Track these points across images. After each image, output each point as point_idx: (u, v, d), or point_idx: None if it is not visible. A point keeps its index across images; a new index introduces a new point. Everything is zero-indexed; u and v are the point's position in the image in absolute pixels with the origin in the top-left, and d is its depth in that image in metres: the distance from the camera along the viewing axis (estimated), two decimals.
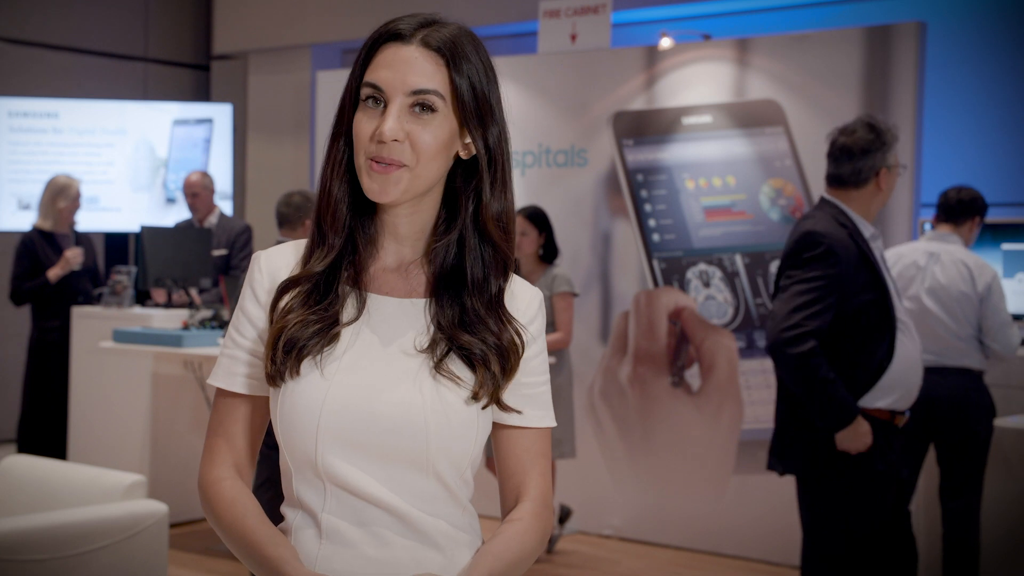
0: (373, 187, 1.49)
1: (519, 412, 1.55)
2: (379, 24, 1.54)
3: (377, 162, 1.48)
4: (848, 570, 3.36)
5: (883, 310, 3.27)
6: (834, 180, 3.42)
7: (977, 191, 4.56)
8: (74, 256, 6.14)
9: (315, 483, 1.49)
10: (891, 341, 3.27)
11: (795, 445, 3.36)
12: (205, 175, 6.52)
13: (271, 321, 1.52)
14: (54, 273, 6.09)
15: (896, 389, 3.31)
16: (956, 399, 4.35)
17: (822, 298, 3.23)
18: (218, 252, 6.24)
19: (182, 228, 6.51)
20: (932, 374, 4.32)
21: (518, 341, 1.54)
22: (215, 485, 1.54)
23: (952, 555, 4.45)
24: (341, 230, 1.53)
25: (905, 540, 4.06)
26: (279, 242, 4.67)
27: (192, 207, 6.45)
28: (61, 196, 6.20)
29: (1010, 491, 4.60)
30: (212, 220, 6.44)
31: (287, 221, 5.03)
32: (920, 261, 4.43)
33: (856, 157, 3.39)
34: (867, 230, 3.35)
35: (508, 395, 1.54)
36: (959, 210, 4.51)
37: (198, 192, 6.41)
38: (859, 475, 3.27)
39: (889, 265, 4.39)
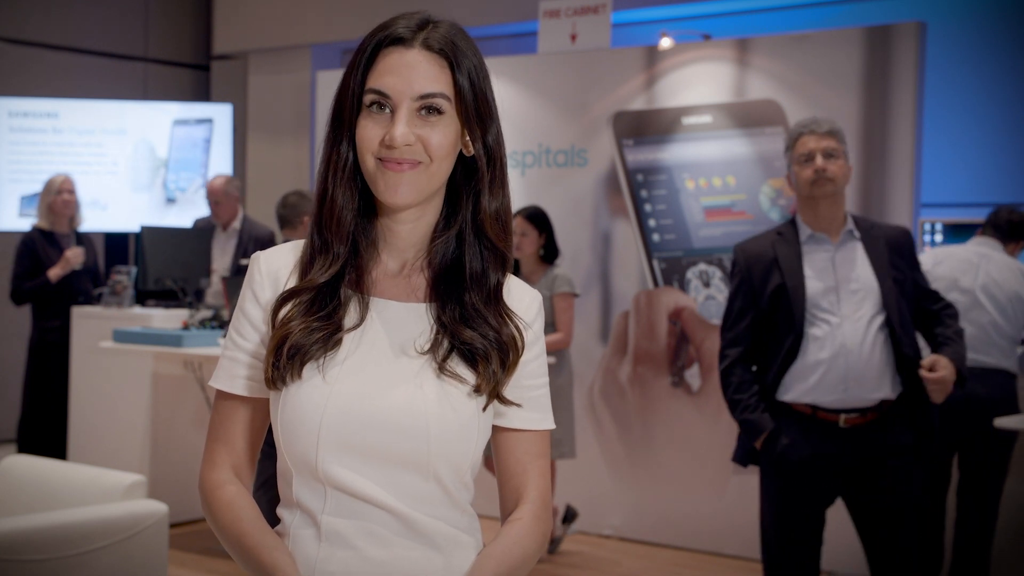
0: (389, 188, 1.48)
1: (519, 405, 1.55)
2: (377, 24, 1.53)
3: (389, 161, 1.47)
4: (771, 564, 3.46)
5: (787, 310, 3.35)
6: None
7: None
8: (75, 256, 6.14)
9: (315, 486, 1.49)
10: (796, 340, 3.33)
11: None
12: (229, 180, 6.46)
13: (272, 327, 1.51)
14: (55, 273, 6.08)
15: (804, 382, 3.32)
16: (994, 402, 4.34)
17: (732, 306, 3.47)
18: (244, 261, 6.20)
19: (183, 228, 6.52)
20: (971, 376, 4.34)
21: (518, 336, 1.54)
22: (215, 489, 1.54)
23: (963, 554, 4.45)
24: (346, 238, 1.52)
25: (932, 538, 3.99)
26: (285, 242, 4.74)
27: (215, 214, 6.42)
28: (50, 191, 6.22)
29: (1020, 492, 4.60)
30: (236, 225, 6.40)
31: (287, 222, 5.13)
32: (973, 259, 4.46)
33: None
34: (804, 233, 3.42)
35: (508, 394, 1.54)
36: (1008, 231, 4.58)
37: (220, 200, 6.37)
38: (769, 461, 3.42)
39: (939, 261, 4.43)
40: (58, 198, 6.21)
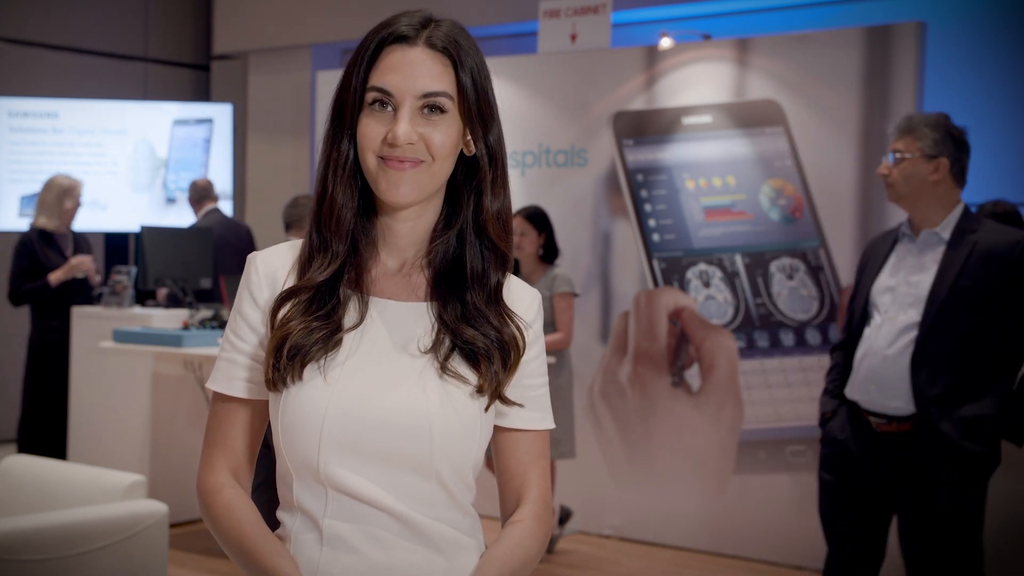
0: (391, 187, 1.47)
1: (521, 405, 1.55)
2: (380, 23, 1.53)
3: (391, 160, 1.47)
4: (833, 545, 3.51)
5: (855, 306, 3.42)
6: None
7: (1013, 205, 4.59)
8: (79, 264, 6.14)
9: (316, 488, 1.48)
10: (856, 336, 3.38)
11: None
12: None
13: (271, 328, 1.50)
14: (56, 277, 6.07)
15: (852, 378, 3.37)
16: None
17: (851, 296, 3.51)
18: None
19: (183, 228, 6.52)
20: None
21: (519, 336, 1.54)
22: (213, 493, 1.53)
23: None
24: (345, 237, 1.51)
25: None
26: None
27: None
28: (68, 197, 6.18)
29: (1010, 491, 4.61)
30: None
31: (295, 223, 5.10)
32: None
33: None
34: (901, 229, 3.39)
35: (509, 394, 1.54)
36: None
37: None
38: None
39: None
40: (72, 204, 6.21)
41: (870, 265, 3.42)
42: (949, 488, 3.17)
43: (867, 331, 3.33)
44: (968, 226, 3.23)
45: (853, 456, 3.33)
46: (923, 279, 3.23)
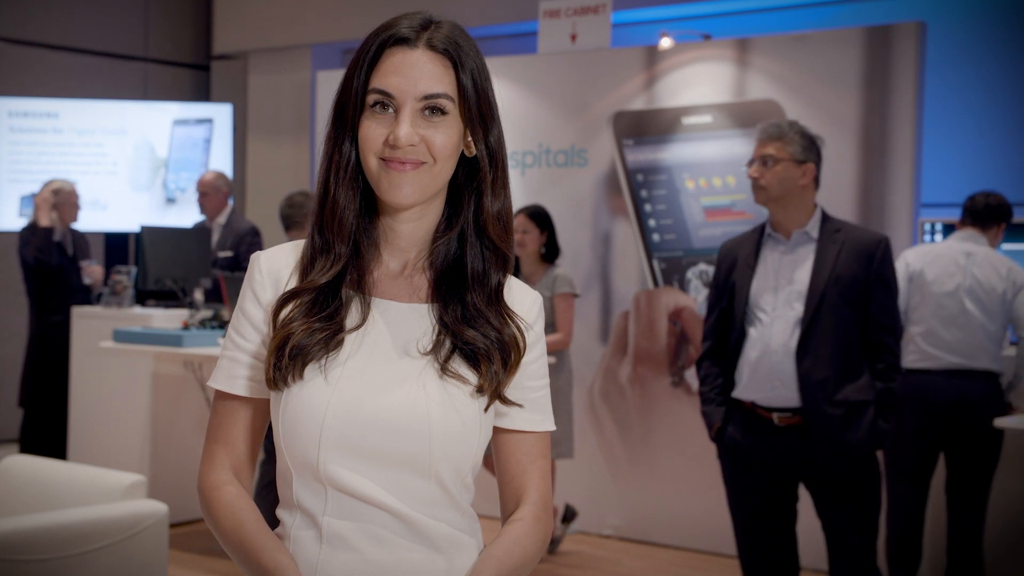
0: (392, 188, 1.47)
1: (520, 406, 1.55)
2: (378, 24, 1.52)
3: (392, 161, 1.47)
4: (744, 552, 3.56)
5: (729, 307, 3.48)
6: None
7: (1003, 196, 4.59)
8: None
9: (316, 487, 1.48)
10: (736, 336, 3.44)
11: None
12: (220, 176, 6.55)
13: (273, 328, 1.50)
14: (42, 222, 6.18)
15: (741, 377, 3.43)
16: (982, 401, 4.36)
17: (709, 302, 3.60)
18: (224, 253, 6.25)
19: (183, 228, 6.52)
20: (960, 377, 4.35)
21: (519, 336, 1.54)
22: (214, 490, 1.53)
23: (957, 554, 4.46)
24: (347, 239, 1.51)
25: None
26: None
27: (201, 205, 6.49)
28: (58, 197, 6.24)
29: (1012, 491, 4.61)
30: (221, 220, 6.47)
31: (294, 222, 5.17)
32: (960, 260, 4.45)
33: None
34: (766, 232, 3.50)
35: (510, 395, 1.54)
36: (987, 215, 4.55)
37: (207, 192, 6.46)
38: (719, 456, 3.58)
39: (927, 262, 4.45)
40: (69, 208, 6.26)
41: (738, 270, 3.47)
42: (840, 467, 3.35)
43: (753, 332, 3.42)
44: (832, 226, 3.45)
45: (757, 456, 3.43)
46: (801, 275, 3.41)
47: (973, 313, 4.38)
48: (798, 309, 3.37)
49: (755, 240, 3.50)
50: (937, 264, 4.46)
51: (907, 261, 4.52)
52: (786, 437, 3.38)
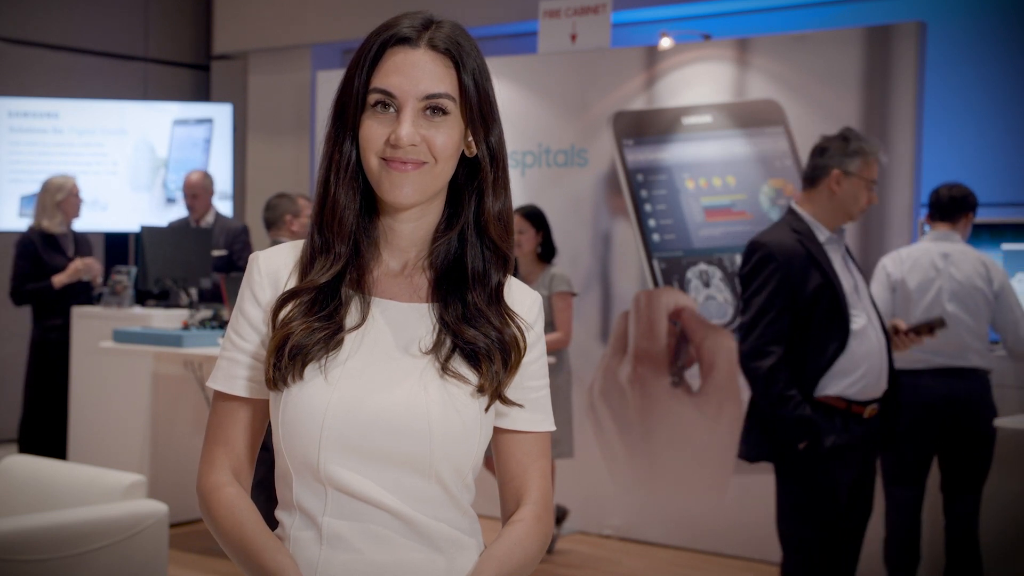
0: (393, 188, 1.47)
1: (521, 406, 1.55)
2: (379, 24, 1.52)
3: (393, 161, 1.47)
4: (816, 557, 3.49)
5: (834, 308, 3.41)
6: (803, 180, 3.62)
7: (967, 187, 4.58)
8: (85, 268, 6.16)
9: (316, 487, 1.48)
10: (844, 337, 3.43)
11: (763, 435, 3.52)
12: (206, 176, 6.61)
13: (273, 328, 1.50)
14: (60, 280, 6.10)
15: (847, 377, 3.44)
16: (973, 400, 4.38)
17: (772, 304, 3.40)
18: (217, 252, 6.26)
19: (181, 228, 6.53)
20: (949, 376, 4.37)
21: (520, 336, 1.54)
22: (214, 491, 1.53)
23: (955, 554, 4.46)
24: (347, 238, 1.51)
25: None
26: (274, 243, 4.94)
27: (191, 207, 6.54)
28: (60, 192, 6.21)
29: (1010, 490, 4.61)
30: (208, 220, 6.50)
31: (271, 224, 5.42)
32: (938, 263, 4.44)
33: (815, 155, 3.58)
34: (822, 234, 3.49)
35: (510, 395, 1.54)
36: (952, 207, 4.52)
37: (198, 193, 6.50)
38: (811, 456, 3.40)
39: (906, 270, 4.44)
40: (72, 200, 6.22)
41: (818, 270, 3.42)
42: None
43: (860, 330, 3.45)
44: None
45: (845, 457, 3.45)
46: (856, 271, 3.57)
47: (956, 315, 4.39)
48: (872, 306, 3.55)
49: (808, 239, 3.46)
50: (917, 271, 4.45)
51: (887, 271, 4.50)
52: (870, 425, 3.50)
